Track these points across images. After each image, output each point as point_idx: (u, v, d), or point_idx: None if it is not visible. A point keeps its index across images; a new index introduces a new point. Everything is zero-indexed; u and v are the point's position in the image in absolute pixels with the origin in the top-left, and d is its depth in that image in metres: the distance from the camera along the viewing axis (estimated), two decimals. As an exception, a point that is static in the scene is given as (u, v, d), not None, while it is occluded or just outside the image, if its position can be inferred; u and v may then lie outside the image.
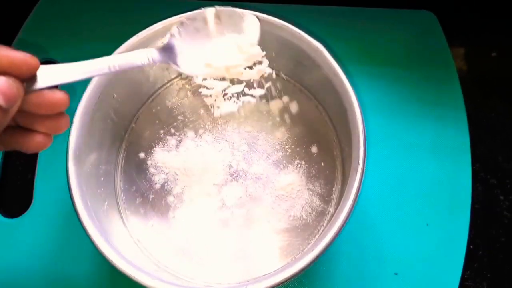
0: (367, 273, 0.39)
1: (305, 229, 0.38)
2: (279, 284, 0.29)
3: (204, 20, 0.36)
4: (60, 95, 0.26)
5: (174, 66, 0.34)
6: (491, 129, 0.47)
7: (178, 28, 0.35)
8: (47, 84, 0.26)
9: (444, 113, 0.45)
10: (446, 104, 0.46)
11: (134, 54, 0.31)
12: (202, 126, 0.43)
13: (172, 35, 0.35)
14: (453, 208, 0.41)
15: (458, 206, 0.41)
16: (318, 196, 0.39)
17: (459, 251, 0.40)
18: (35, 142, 0.27)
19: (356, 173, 0.32)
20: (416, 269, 0.39)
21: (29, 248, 0.41)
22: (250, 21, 0.36)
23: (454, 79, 0.47)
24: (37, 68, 0.25)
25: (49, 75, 0.26)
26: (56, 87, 0.26)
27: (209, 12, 0.36)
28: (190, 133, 0.42)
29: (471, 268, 0.41)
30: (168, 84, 0.44)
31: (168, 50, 0.34)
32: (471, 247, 0.41)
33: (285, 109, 0.42)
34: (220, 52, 0.36)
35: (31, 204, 0.43)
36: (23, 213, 0.42)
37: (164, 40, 0.37)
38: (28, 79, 0.25)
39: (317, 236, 0.38)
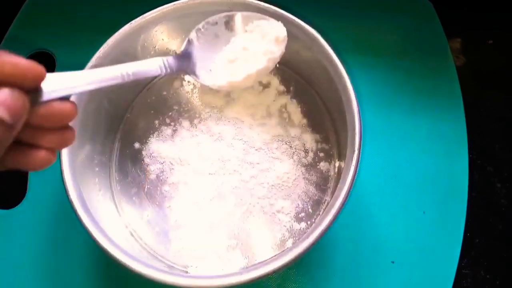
0: (364, 262, 0.39)
1: (302, 218, 0.38)
2: (274, 272, 0.29)
3: (226, 25, 0.33)
4: (69, 106, 0.23)
5: (193, 77, 0.32)
6: (488, 118, 0.46)
7: (196, 33, 0.32)
8: (54, 96, 0.23)
9: (441, 102, 0.45)
10: (443, 93, 0.46)
11: (149, 62, 0.29)
12: (197, 116, 0.42)
13: (189, 41, 0.32)
14: (450, 196, 0.41)
15: (455, 194, 0.41)
16: (314, 185, 0.39)
17: (456, 239, 0.40)
18: (39, 158, 0.23)
19: (352, 160, 0.32)
20: (413, 257, 0.39)
21: (23, 238, 0.41)
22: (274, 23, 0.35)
23: (451, 68, 0.47)
24: (43, 77, 0.22)
25: (57, 85, 0.23)
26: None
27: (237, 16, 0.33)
28: (185, 123, 0.42)
29: (468, 256, 0.41)
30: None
31: (185, 58, 0.31)
32: (468, 235, 0.41)
33: (281, 98, 0.42)
34: (243, 58, 0.34)
35: (26, 195, 0.42)
36: (17, 203, 0.42)
37: (181, 47, 0.34)
38: (33, 89, 0.22)
39: (313, 225, 0.37)
